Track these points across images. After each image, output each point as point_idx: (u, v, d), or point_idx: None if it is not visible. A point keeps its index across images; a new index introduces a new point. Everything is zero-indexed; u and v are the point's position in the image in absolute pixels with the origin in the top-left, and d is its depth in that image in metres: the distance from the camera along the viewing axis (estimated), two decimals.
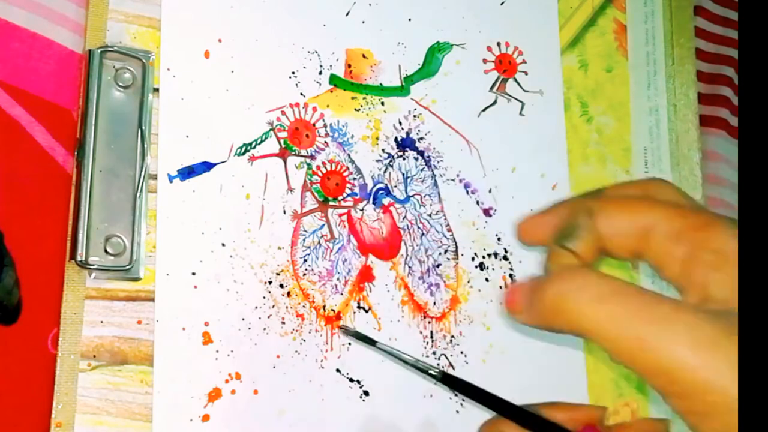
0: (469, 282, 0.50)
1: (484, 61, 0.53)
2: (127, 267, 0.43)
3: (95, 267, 0.42)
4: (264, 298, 0.45)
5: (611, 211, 0.30)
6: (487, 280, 0.50)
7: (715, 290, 0.27)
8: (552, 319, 0.28)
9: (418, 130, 0.51)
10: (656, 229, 0.29)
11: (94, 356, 0.42)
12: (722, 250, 0.27)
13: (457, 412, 0.48)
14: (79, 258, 0.42)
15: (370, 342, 0.41)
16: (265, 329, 0.45)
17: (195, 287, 0.44)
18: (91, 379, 0.42)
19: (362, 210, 0.49)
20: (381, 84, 0.51)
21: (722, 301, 0.27)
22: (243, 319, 0.44)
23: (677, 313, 0.26)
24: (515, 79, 0.54)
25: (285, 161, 0.47)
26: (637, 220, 0.29)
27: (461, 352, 0.49)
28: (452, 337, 0.49)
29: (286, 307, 0.46)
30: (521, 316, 0.30)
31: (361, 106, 0.50)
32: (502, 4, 0.55)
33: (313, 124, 0.49)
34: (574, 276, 0.28)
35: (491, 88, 0.53)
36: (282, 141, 0.48)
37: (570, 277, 0.28)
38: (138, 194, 0.44)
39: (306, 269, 0.46)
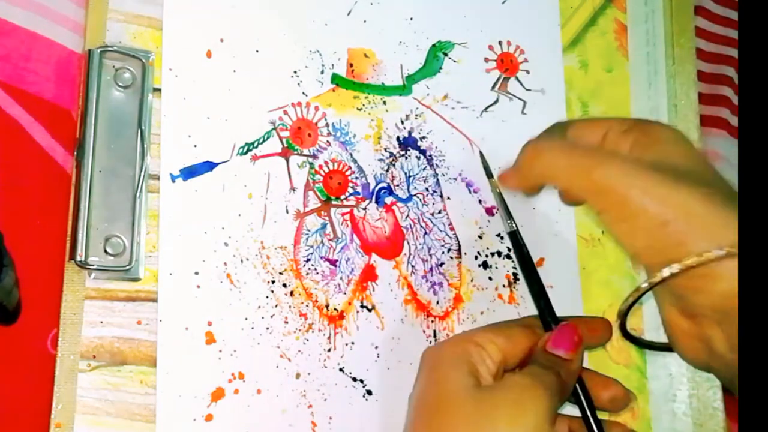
0: (472, 281, 0.50)
1: (486, 60, 0.53)
2: (127, 267, 0.43)
3: (95, 267, 0.42)
4: (267, 297, 0.45)
5: (579, 123, 0.43)
6: (490, 279, 0.50)
7: (648, 157, 0.37)
8: (528, 171, 0.41)
9: (420, 129, 0.51)
10: (612, 129, 0.40)
11: (94, 356, 0.42)
12: (657, 135, 0.38)
13: None
14: (78, 258, 0.42)
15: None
16: (268, 329, 0.45)
17: (198, 287, 0.44)
18: (91, 380, 0.42)
19: (365, 209, 0.48)
20: (383, 83, 0.50)
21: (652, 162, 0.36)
22: (246, 319, 0.44)
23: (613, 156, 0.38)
24: (517, 78, 0.54)
25: (287, 160, 0.47)
26: (597, 124, 0.41)
27: None
28: None
29: (289, 307, 0.45)
30: (511, 182, 0.43)
31: (363, 105, 0.50)
32: (503, 3, 0.55)
33: (316, 124, 0.48)
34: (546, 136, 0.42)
35: (493, 87, 0.53)
36: (284, 140, 0.47)
37: (543, 136, 0.42)
38: (138, 194, 0.44)
39: (309, 268, 0.46)
